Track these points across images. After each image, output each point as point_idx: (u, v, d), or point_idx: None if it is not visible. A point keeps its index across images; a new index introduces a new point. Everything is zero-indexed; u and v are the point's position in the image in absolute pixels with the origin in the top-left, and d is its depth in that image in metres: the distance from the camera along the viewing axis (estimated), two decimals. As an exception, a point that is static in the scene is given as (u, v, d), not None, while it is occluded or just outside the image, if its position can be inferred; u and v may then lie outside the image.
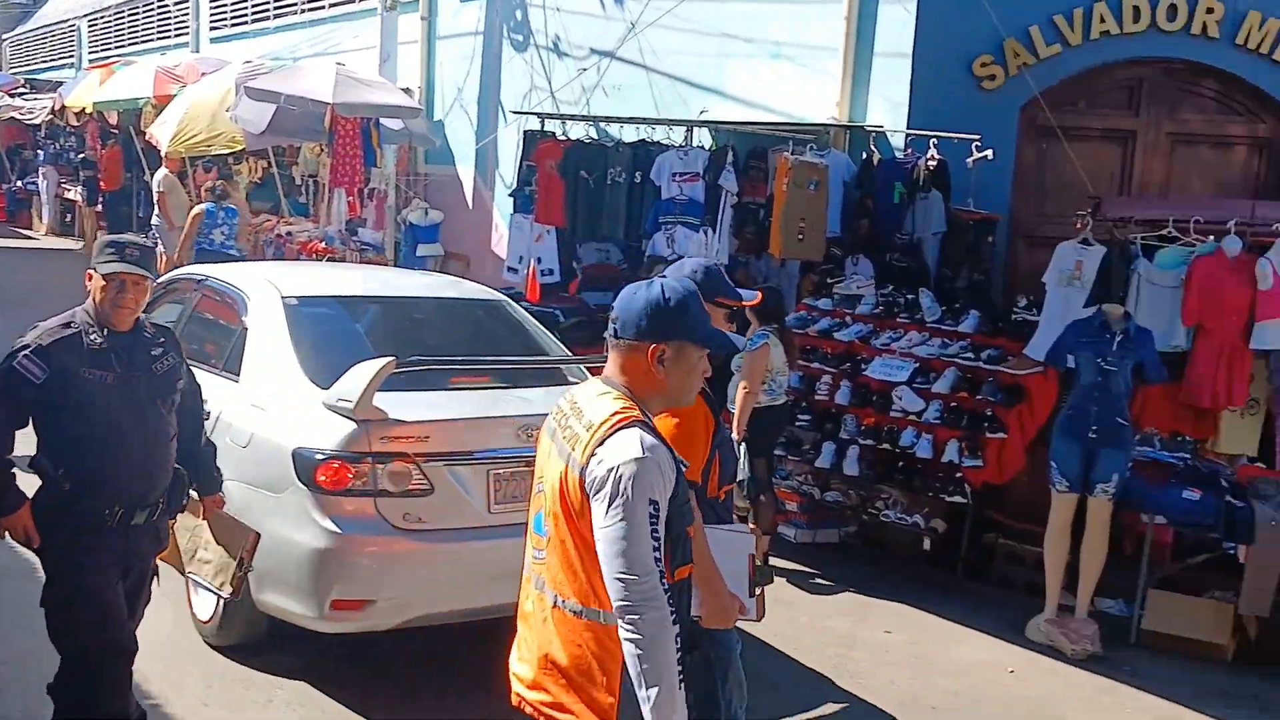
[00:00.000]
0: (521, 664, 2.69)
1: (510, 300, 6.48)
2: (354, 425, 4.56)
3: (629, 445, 2.47)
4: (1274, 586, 5.85)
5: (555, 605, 2.59)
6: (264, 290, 5.51)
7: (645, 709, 2.43)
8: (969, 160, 7.88)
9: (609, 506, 2.44)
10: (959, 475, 6.71)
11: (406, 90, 12.87)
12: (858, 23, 8.58)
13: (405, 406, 4.70)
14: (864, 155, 8.44)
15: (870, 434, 7.11)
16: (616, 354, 2.64)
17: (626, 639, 2.43)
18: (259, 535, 4.33)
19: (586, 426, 2.54)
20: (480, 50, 12.82)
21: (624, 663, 2.49)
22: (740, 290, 3.63)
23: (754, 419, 6.52)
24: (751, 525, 6.87)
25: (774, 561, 6.96)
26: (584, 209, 9.04)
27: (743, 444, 6.43)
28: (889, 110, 8.61)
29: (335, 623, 4.63)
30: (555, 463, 2.60)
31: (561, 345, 6.17)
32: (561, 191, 9.06)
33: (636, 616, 2.41)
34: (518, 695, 2.68)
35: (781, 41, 9.25)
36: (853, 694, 5.23)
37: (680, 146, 8.70)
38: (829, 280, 8.05)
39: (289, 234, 12.29)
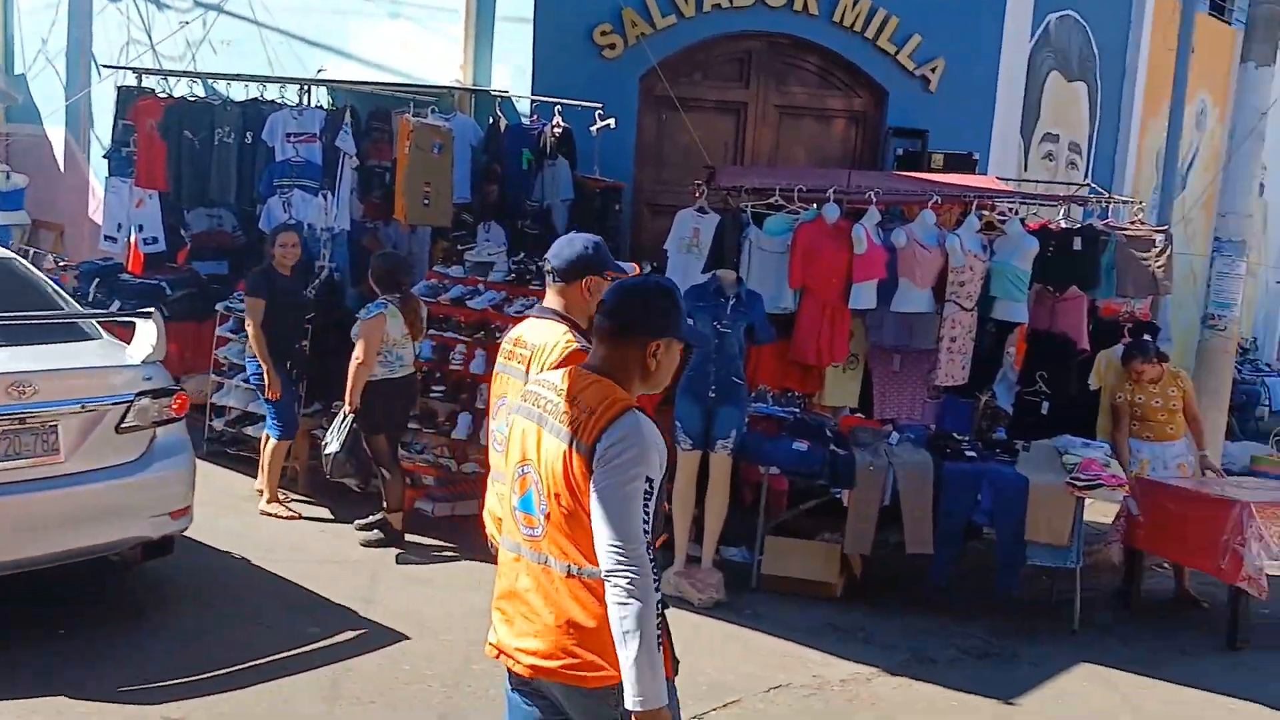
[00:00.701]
0: (527, 638, 2.80)
1: (19, 258, 6.06)
2: None
3: (636, 427, 2.66)
4: (873, 526, 6.34)
5: (571, 574, 2.73)
6: None
7: (625, 666, 2.60)
8: (592, 128, 7.97)
9: (611, 480, 2.63)
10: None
11: (-21, 40, 11.42)
12: (478, -16, 8.47)
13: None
14: (490, 120, 8.33)
15: (504, 402, 7.05)
16: (608, 346, 2.82)
17: (614, 601, 2.61)
18: None
19: (587, 411, 2.69)
20: (67, -2, 11.59)
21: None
22: (620, 264, 3.72)
23: (372, 393, 6.30)
24: (384, 504, 6.70)
25: (411, 538, 6.80)
26: (189, 172, 8.34)
27: (350, 417, 6.21)
28: (514, 75, 8.56)
29: None
30: (552, 445, 2.74)
31: (75, 304, 5.97)
32: (163, 153, 8.34)
33: (626, 580, 2.59)
34: (529, 667, 2.79)
35: (401, 0, 8.97)
36: (491, 667, 5.14)
37: (294, 106, 8.21)
38: (459, 247, 7.91)
39: None
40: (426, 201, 7.47)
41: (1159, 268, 6.82)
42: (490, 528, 3.51)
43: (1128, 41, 11.35)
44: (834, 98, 9.19)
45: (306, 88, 8.51)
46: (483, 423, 7.05)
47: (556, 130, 7.98)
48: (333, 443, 6.28)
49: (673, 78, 8.36)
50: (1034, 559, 6.31)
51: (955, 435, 6.74)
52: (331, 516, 7.18)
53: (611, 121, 7.92)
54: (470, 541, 6.84)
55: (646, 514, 2.65)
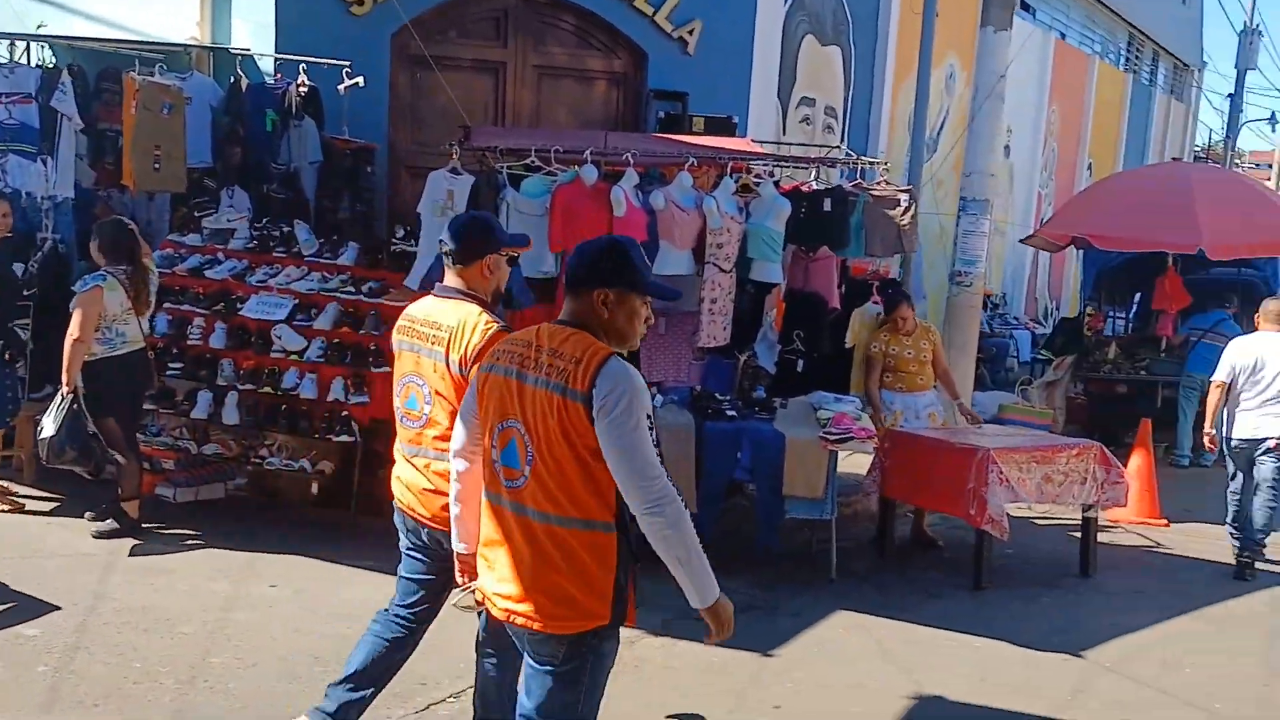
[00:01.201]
0: (505, 583, 2.97)
1: None
2: None
3: (623, 371, 2.81)
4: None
5: (545, 523, 2.87)
6: None
7: (685, 580, 2.83)
8: (340, 87, 7.62)
9: (622, 423, 2.76)
10: (345, 414, 6.50)
11: None
12: (207, -63, 7.94)
13: None
14: (231, 80, 7.84)
15: (250, 378, 6.66)
16: (570, 300, 2.99)
17: (658, 531, 2.79)
18: None
19: (573, 360, 2.82)
20: None
21: (616, 560, 2.89)
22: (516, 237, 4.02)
23: (95, 372, 5.84)
24: (119, 492, 6.24)
25: (152, 526, 6.35)
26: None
27: (68, 398, 5.75)
28: (256, 33, 8.09)
29: None
30: (541, 397, 2.86)
31: None
32: None
33: (662, 510, 2.78)
34: (505, 610, 2.97)
35: (130, -48, 8.32)
36: (232, 659, 4.85)
37: (4, 64, 7.49)
38: (197, 214, 7.41)
39: None
40: (157, 165, 6.96)
41: (905, 226, 7.02)
42: (398, 493, 3.80)
43: (879, 6, 11.72)
44: (594, 59, 9.09)
45: (21, 44, 7.77)
46: (225, 400, 6.65)
47: (302, 90, 7.60)
48: (47, 426, 5.76)
49: (426, 36, 8.06)
50: (792, 512, 6.44)
51: (717, 395, 6.78)
52: (62, 508, 6.64)
53: (360, 80, 7.58)
54: (215, 527, 6.47)
55: (657, 447, 2.84)
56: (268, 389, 6.61)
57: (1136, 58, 22.88)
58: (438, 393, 3.64)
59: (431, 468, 3.68)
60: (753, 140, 8.08)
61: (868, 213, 7.11)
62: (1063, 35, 18.30)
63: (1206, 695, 5.25)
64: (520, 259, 6.38)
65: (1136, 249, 10.58)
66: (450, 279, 3.70)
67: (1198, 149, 29.57)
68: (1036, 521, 8.09)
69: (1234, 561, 7.18)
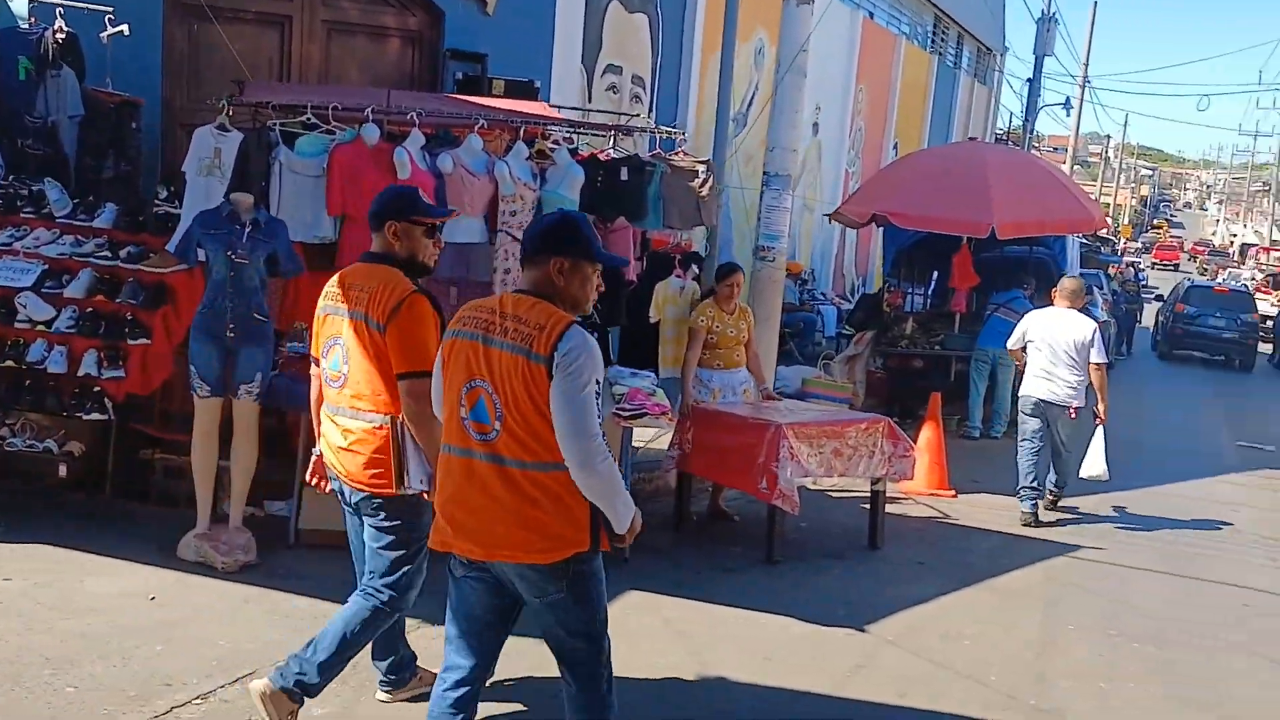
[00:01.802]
0: (485, 527, 3.24)
1: None
2: None
3: (581, 338, 3.13)
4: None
5: (523, 469, 3.18)
6: None
7: (614, 520, 3.21)
8: (102, 35, 6.99)
9: (573, 385, 3.09)
10: (98, 389, 5.97)
11: None
12: None
13: None
14: (-19, 22, 7.10)
15: (-10, 350, 6.04)
16: (527, 268, 3.30)
17: (591, 482, 3.14)
18: None
19: (536, 327, 3.13)
20: None
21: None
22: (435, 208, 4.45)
23: None
24: None
25: None
26: None
27: None
28: (6, -30, 7.33)
29: None
30: (506, 359, 3.16)
31: None
32: None
33: (595, 464, 3.11)
34: (487, 553, 3.26)
35: None
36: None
37: None
38: (-67, 171, 6.68)
39: None
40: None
41: (704, 198, 6.90)
42: (325, 454, 4.02)
43: (686, -26, 11.62)
44: (387, 15, 8.67)
45: None
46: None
47: (59, 36, 6.92)
48: None
49: (202, -17, 7.49)
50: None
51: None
52: None
53: (124, 28, 6.98)
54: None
55: (599, 409, 3.17)
56: (11, 362, 6.00)
57: (942, 40, 23.59)
58: (359, 352, 3.85)
59: (347, 425, 3.91)
60: (550, 106, 7.81)
61: (666, 183, 6.96)
62: (870, 14, 18.65)
63: (983, 667, 5.33)
64: (291, 223, 6.01)
65: (932, 229, 10.82)
66: (375, 243, 3.97)
67: (999, 132, 30.78)
68: (831, 494, 8.17)
69: (1025, 512, 8.02)
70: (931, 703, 4.89)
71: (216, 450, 5.70)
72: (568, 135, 7.42)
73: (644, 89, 11.26)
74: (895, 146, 20.31)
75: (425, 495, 3.83)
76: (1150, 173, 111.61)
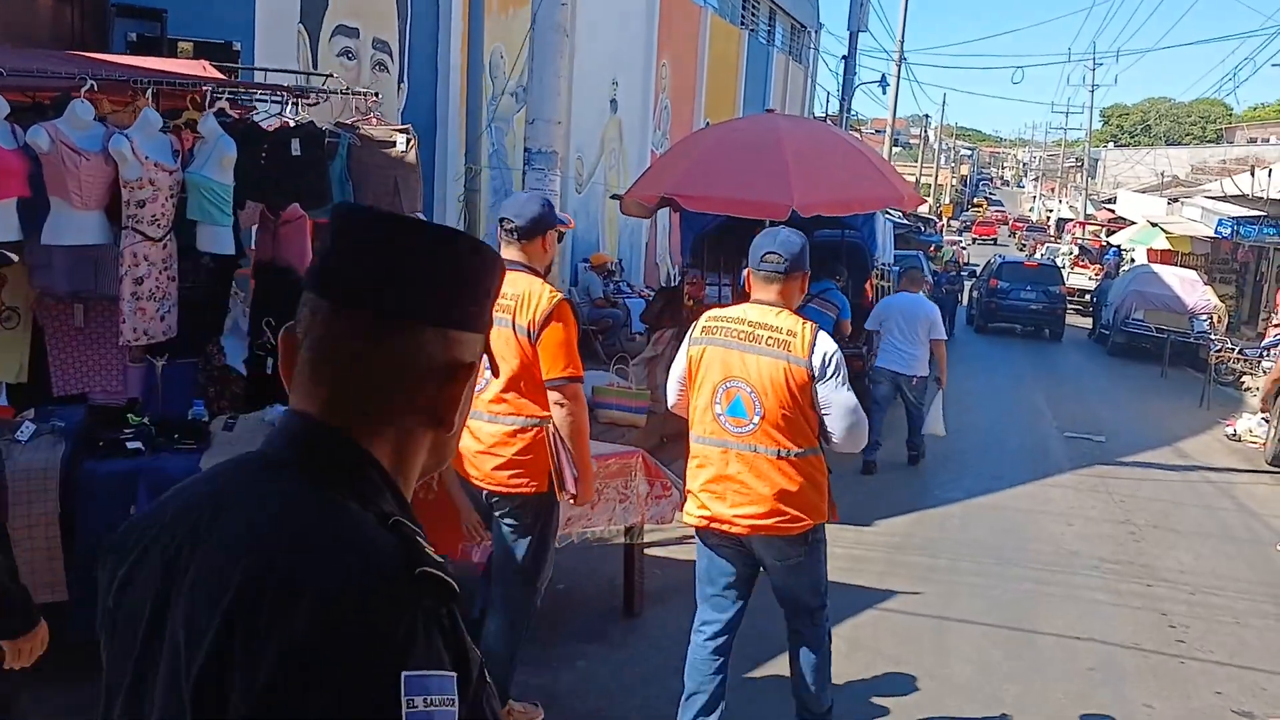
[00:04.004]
0: (743, 506, 3.79)
1: None
2: None
3: (830, 341, 3.77)
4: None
5: (780, 457, 3.74)
6: None
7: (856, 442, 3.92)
8: None
9: (837, 381, 3.72)
10: None
11: None
12: None
13: None
14: None
15: None
16: (779, 285, 3.80)
17: (853, 450, 3.94)
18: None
19: (789, 334, 3.72)
20: None
21: (826, 471, 3.89)
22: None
23: None
24: None
25: None
26: None
27: None
28: None
29: None
30: (765, 364, 3.72)
31: None
32: None
33: (859, 440, 3.85)
34: (748, 528, 3.81)
35: None
36: None
37: None
38: None
39: None
40: None
41: (405, 174, 5.34)
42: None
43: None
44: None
45: None
46: None
47: None
48: None
49: None
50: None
51: (133, 416, 4.84)
52: None
53: None
54: None
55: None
56: None
57: (753, 15, 22.55)
58: (505, 359, 3.86)
59: (484, 430, 3.97)
60: (211, 65, 6.06)
61: (355, 158, 5.39)
62: (671, -17, 17.35)
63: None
64: None
65: (724, 211, 9.44)
66: (510, 253, 3.96)
67: (820, 115, 30.07)
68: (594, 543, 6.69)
69: (867, 460, 9.23)
70: None
71: None
72: (247, 103, 5.78)
73: (391, 55, 9.62)
74: (707, 125, 19.10)
75: (570, 498, 4.00)
76: (970, 152, 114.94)
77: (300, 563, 1.07)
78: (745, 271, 3.95)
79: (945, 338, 9.68)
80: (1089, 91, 63.07)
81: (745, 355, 3.72)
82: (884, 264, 12.66)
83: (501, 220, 3.98)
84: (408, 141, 5.32)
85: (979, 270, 30.55)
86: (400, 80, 9.74)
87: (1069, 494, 9.27)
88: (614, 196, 11.15)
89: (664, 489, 5.41)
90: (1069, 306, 30.32)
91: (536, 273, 3.99)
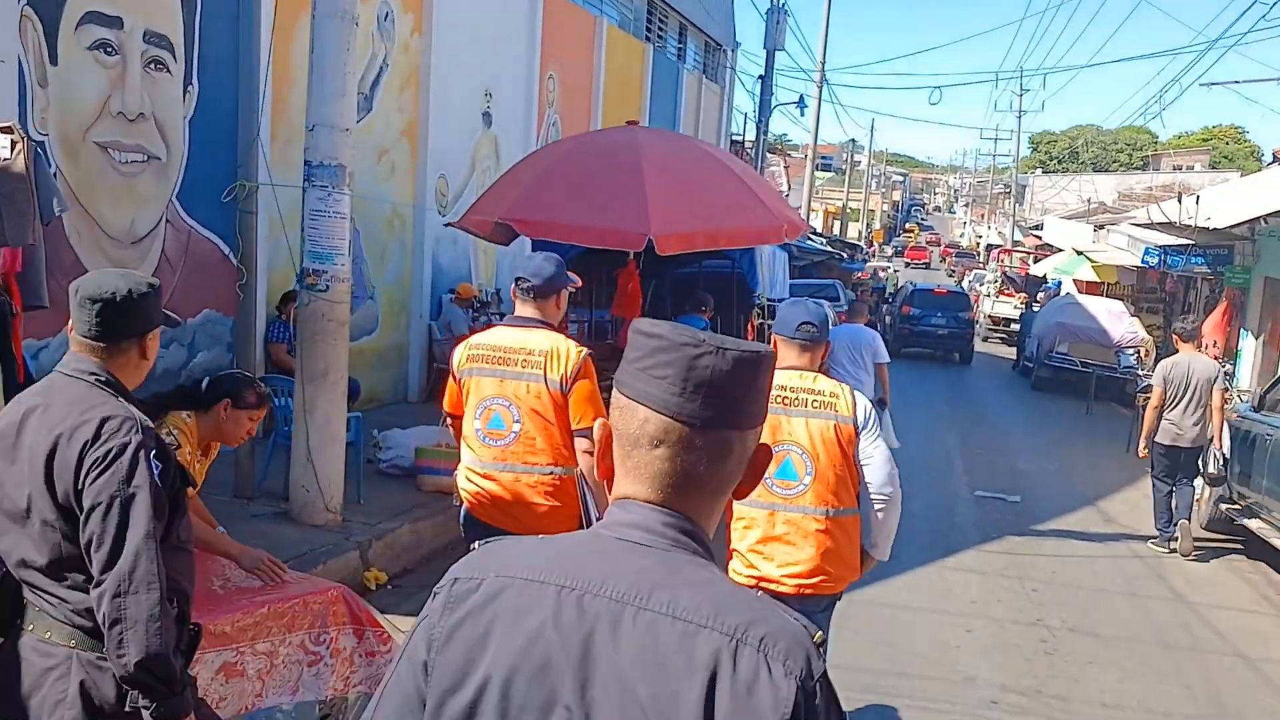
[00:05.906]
0: (789, 566, 3.89)
1: None
2: None
3: (864, 397, 3.95)
4: None
5: (828, 516, 3.87)
6: None
7: (883, 549, 4.05)
8: None
9: (876, 433, 3.90)
10: None
11: None
12: None
13: None
14: None
15: None
16: (810, 353, 3.95)
17: (893, 508, 3.96)
18: None
19: (831, 394, 3.88)
20: None
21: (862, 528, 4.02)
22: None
23: None
24: None
25: None
26: None
27: None
28: None
29: None
30: (812, 424, 3.85)
31: None
32: None
33: (896, 494, 3.94)
34: (796, 587, 3.86)
35: None
36: None
37: None
38: None
39: None
40: None
41: (6, 190, 3.78)
42: (483, 507, 4.21)
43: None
44: None
45: None
46: None
47: None
48: None
49: None
50: None
51: None
52: None
53: None
54: None
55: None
56: None
57: (660, 29, 21.21)
58: (534, 411, 4.08)
59: (522, 480, 4.15)
60: None
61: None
62: (556, -12, 15.89)
63: None
64: None
65: (568, 240, 7.90)
66: (526, 310, 4.20)
67: (735, 135, 28.77)
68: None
69: None
70: None
71: None
72: None
73: (172, 52, 8.02)
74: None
75: None
76: (902, 179, 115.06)
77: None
78: (771, 339, 4.06)
79: (889, 361, 10.08)
80: (1015, 117, 62.64)
81: (792, 419, 3.86)
82: (770, 300, 11.23)
83: (518, 280, 4.19)
84: (13, 146, 3.76)
85: (893, 297, 30.94)
86: (186, 83, 8.16)
87: (973, 581, 7.83)
88: (447, 224, 9.61)
89: (380, 640, 3.85)
90: (993, 335, 32.41)
91: (553, 327, 4.21)
